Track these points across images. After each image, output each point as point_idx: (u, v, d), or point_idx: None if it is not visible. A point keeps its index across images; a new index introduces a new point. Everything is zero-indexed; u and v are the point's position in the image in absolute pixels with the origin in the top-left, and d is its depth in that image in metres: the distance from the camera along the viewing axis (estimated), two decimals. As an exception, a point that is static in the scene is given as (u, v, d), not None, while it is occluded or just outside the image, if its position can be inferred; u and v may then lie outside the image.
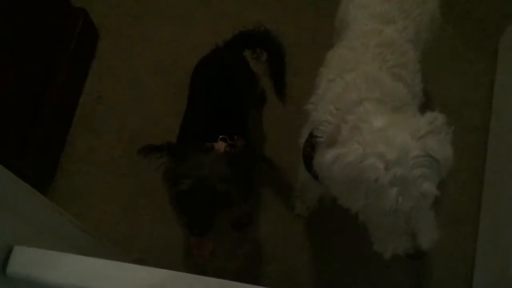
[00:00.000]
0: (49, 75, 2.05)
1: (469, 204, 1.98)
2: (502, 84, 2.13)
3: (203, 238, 1.35)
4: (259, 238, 1.97)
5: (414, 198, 1.10)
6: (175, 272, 0.92)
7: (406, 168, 1.08)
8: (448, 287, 1.88)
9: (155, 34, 2.40)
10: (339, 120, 1.27)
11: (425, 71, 1.55)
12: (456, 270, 1.90)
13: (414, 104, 1.39)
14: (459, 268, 1.90)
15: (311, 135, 1.39)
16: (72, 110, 2.23)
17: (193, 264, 1.93)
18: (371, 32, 1.44)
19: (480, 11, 2.38)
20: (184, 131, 1.65)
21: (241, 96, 1.71)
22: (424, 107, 1.48)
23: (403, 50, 1.42)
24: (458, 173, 1.96)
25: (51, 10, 2.04)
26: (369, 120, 1.19)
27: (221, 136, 1.48)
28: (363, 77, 1.33)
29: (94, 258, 0.94)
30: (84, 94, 2.28)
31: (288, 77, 2.21)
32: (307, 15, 2.41)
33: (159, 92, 2.26)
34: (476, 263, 1.86)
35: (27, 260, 0.94)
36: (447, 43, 2.27)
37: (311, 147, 1.39)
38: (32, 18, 1.89)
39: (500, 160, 1.93)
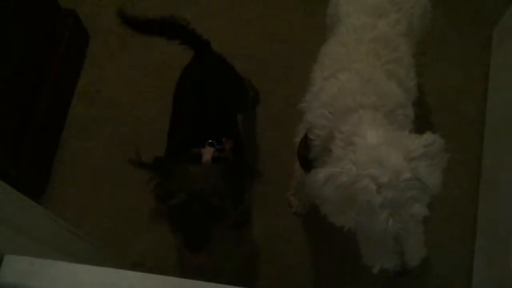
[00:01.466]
0: (39, 78, 2.03)
1: (467, 197, 1.97)
2: (496, 75, 2.11)
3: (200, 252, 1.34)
4: (256, 237, 1.96)
5: (404, 219, 1.11)
6: (170, 278, 0.91)
7: (397, 191, 1.09)
8: (447, 282, 1.87)
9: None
10: (333, 126, 1.27)
11: (418, 64, 1.54)
12: (455, 264, 1.88)
13: (409, 101, 1.38)
14: (458, 262, 1.88)
15: (305, 137, 1.38)
16: (64, 113, 2.20)
17: (190, 265, 1.91)
18: (363, 26, 1.43)
19: (474, 1, 2.36)
20: (172, 140, 1.63)
21: (226, 99, 1.69)
22: (418, 101, 1.48)
23: (396, 45, 1.41)
24: (455, 166, 1.95)
25: (40, 12, 2.01)
26: (364, 135, 1.18)
27: (209, 141, 1.46)
28: (357, 78, 1.32)
29: (87, 265, 0.93)
30: (75, 96, 2.26)
31: (282, 75, 2.21)
32: (299, 12, 2.39)
33: (151, 92, 2.24)
34: (476, 257, 1.84)
35: (18, 269, 0.92)
36: (440, 35, 2.26)
37: (306, 148, 1.38)
38: (20, 21, 1.86)
39: (497, 151, 1.92)
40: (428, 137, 1.16)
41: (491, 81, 2.13)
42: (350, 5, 1.50)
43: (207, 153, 1.43)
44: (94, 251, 1.49)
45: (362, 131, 1.19)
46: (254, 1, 2.42)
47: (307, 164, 1.41)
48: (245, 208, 1.71)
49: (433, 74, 2.17)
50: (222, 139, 1.49)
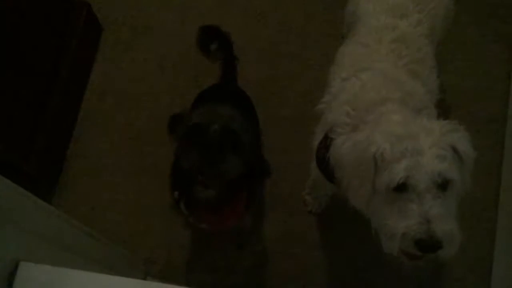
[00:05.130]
0: (52, 72, 2.01)
1: (486, 199, 1.94)
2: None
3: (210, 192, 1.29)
4: (270, 236, 1.95)
5: (428, 175, 1.04)
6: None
7: (421, 144, 1.05)
8: (466, 284, 1.84)
9: (160, 26, 2.33)
10: (357, 121, 1.24)
11: (439, 62, 1.50)
12: (474, 267, 1.85)
13: (432, 102, 1.35)
14: (477, 265, 1.86)
15: (326, 137, 1.34)
16: (76, 107, 2.18)
17: (203, 263, 1.91)
18: (384, 27, 1.39)
19: (497, -3, 2.30)
20: None
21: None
22: (440, 102, 1.45)
23: (418, 46, 1.38)
24: (475, 167, 1.92)
25: (53, 5, 1.98)
26: (390, 117, 1.16)
27: None
28: (380, 76, 1.28)
29: (104, 274, 0.92)
30: (88, 89, 2.23)
31: (299, 70, 2.17)
32: (318, 5, 2.33)
33: (165, 85, 2.21)
34: (495, 259, 1.82)
35: (34, 276, 0.91)
36: (462, 32, 2.20)
37: (326, 149, 1.34)
38: (33, 14, 1.84)
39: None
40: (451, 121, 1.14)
41: (513, 77, 2.09)
42: (370, 5, 1.47)
43: None
44: (107, 250, 1.49)
45: (388, 115, 1.16)
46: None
47: (327, 166, 1.37)
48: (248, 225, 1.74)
49: (452, 71, 2.13)
50: None
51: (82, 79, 2.23)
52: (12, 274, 0.90)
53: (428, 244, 1.06)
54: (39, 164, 1.91)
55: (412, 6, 1.41)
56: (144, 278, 1.80)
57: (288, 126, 2.09)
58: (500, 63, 2.16)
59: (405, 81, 1.31)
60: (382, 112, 1.20)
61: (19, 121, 1.83)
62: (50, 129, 1.97)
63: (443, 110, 1.99)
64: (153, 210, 1.99)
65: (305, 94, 2.09)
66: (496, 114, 2.07)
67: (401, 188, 1.08)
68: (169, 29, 2.33)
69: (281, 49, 2.24)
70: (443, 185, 1.08)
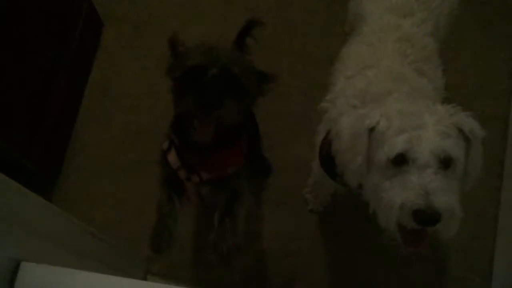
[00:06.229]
0: (53, 67, 1.99)
1: (488, 197, 1.93)
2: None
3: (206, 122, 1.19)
4: (271, 234, 1.94)
5: (429, 149, 1.03)
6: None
7: (425, 121, 1.04)
8: (467, 283, 1.85)
9: (162, 22, 2.32)
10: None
11: (442, 61, 1.49)
12: (475, 266, 1.86)
13: (438, 101, 1.34)
14: (478, 264, 1.86)
15: (329, 132, 1.34)
16: (77, 103, 2.17)
17: (204, 261, 1.90)
18: (388, 26, 1.39)
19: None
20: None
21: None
22: (446, 101, 1.44)
23: (423, 44, 1.38)
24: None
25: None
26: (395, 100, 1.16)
27: None
28: (387, 72, 1.28)
29: (107, 275, 0.91)
30: (89, 86, 2.22)
31: (301, 68, 2.15)
32: (319, 2, 2.32)
33: (166, 83, 2.20)
34: (496, 259, 1.82)
35: (35, 276, 0.90)
36: (465, 30, 2.19)
37: (329, 145, 1.34)
38: (33, 9, 1.83)
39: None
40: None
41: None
42: (373, 3, 1.46)
43: None
44: (109, 250, 1.48)
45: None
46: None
47: (329, 163, 1.36)
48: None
49: (454, 70, 2.11)
50: None
51: (82, 75, 2.22)
52: (13, 274, 0.89)
53: (426, 215, 1.02)
54: (40, 161, 1.90)
55: (416, 5, 1.41)
56: (145, 277, 1.80)
57: (289, 124, 2.09)
58: (502, 62, 2.16)
59: (411, 78, 1.30)
60: (388, 101, 1.19)
61: (19, 117, 1.81)
62: (51, 126, 1.96)
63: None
64: (154, 207, 1.97)
65: (308, 92, 2.09)
66: (498, 113, 2.07)
67: (401, 161, 1.06)
68: (169, 26, 2.31)
69: (284, 47, 2.23)
70: (445, 163, 1.07)
